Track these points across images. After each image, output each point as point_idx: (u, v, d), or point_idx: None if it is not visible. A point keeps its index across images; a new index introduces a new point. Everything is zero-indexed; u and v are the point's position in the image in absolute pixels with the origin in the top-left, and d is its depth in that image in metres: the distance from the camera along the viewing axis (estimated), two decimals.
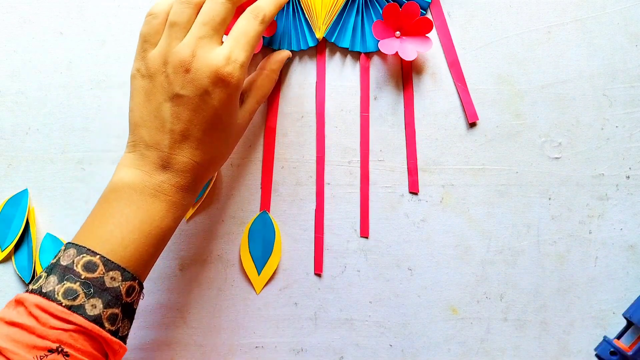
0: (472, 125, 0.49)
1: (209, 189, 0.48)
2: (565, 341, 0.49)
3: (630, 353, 0.45)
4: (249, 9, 0.40)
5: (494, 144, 0.49)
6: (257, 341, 0.49)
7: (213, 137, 0.39)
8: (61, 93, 0.49)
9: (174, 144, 0.38)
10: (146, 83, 0.39)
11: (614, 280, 0.49)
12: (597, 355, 0.47)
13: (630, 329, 0.47)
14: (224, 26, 0.39)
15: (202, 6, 0.39)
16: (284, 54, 0.47)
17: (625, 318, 0.47)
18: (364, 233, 0.49)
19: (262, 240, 0.49)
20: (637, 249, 0.49)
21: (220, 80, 0.37)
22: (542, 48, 0.49)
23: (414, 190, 0.49)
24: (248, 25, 0.39)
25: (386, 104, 0.49)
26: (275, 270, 0.49)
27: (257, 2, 0.40)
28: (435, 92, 0.49)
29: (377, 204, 0.49)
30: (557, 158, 0.49)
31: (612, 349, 0.46)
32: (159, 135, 0.38)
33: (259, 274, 0.49)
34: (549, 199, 0.49)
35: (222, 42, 0.39)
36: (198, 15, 0.38)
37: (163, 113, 0.38)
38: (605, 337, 0.47)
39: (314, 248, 0.49)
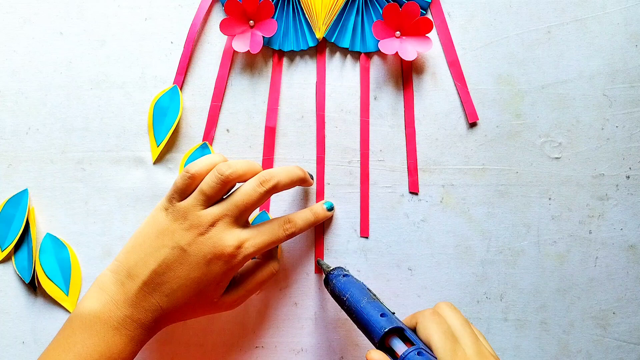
0: (472, 125, 0.49)
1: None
2: (565, 341, 0.49)
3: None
4: (285, 218, 0.44)
5: (494, 144, 0.49)
6: (257, 341, 0.49)
7: (185, 295, 0.41)
8: (61, 93, 0.49)
9: (151, 283, 0.41)
10: (164, 222, 0.42)
11: (614, 280, 0.49)
12: None
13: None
14: (253, 209, 0.42)
15: (232, 183, 0.42)
16: (276, 267, 0.46)
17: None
18: (364, 233, 0.49)
19: None
20: (637, 249, 0.49)
21: (222, 257, 0.41)
22: (542, 48, 0.49)
23: (414, 190, 0.49)
24: (277, 231, 0.43)
25: (386, 104, 0.49)
26: None
27: (294, 214, 0.45)
28: (435, 92, 0.49)
29: (377, 204, 0.49)
30: (557, 158, 0.49)
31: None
32: (143, 268, 0.41)
33: None
34: (549, 199, 0.49)
35: (247, 219, 0.43)
36: (234, 194, 0.42)
37: (160, 254, 0.41)
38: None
39: (314, 248, 0.49)
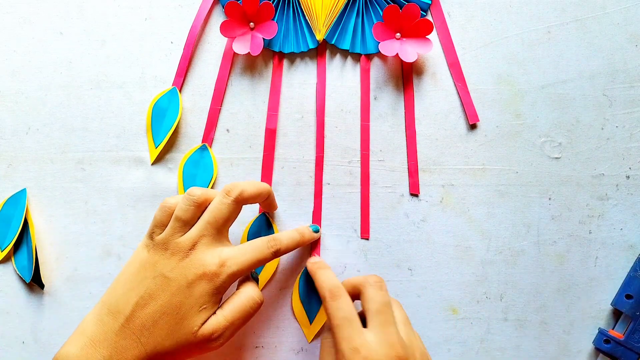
0: (472, 126, 0.51)
1: (208, 188, 0.50)
2: (565, 341, 0.50)
3: (622, 339, 0.49)
4: (270, 236, 0.44)
5: (494, 144, 0.50)
6: (257, 341, 0.50)
7: (166, 325, 0.40)
8: (61, 93, 0.51)
9: (132, 317, 0.40)
10: (145, 257, 0.42)
11: (614, 280, 0.50)
12: (595, 348, 0.50)
13: (621, 318, 0.50)
14: (228, 225, 0.43)
15: (206, 204, 0.43)
16: (258, 296, 0.44)
17: (613, 307, 0.50)
18: (365, 234, 0.50)
19: None
20: (637, 249, 0.50)
21: (205, 276, 0.41)
22: (542, 48, 0.50)
23: (414, 192, 0.50)
24: (261, 249, 0.43)
25: (386, 104, 0.51)
26: (275, 270, 0.50)
27: (279, 233, 0.45)
28: (435, 92, 0.50)
29: (377, 204, 0.50)
30: (557, 158, 0.50)
31: (605, 338, 0.49)
32: (125, 304, 0.41)
33: None
34: (549, 199, 0.50)
35: (226, 237, 0.44)
36: (205, 213, 0.43)
37: (142, 286, 0.41)
38: (599, 328, 0.50)
39: (313, 248, 0.50)
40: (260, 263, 0.43)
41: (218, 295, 0.42)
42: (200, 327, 0.41)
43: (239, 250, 0.42)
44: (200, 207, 0.43)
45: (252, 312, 0.43)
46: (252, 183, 0.44)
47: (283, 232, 0.46)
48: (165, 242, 0.42)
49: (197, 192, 0.43)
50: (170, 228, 0.42)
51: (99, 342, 0.40)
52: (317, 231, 0.49)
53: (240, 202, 0.43)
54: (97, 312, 0.42)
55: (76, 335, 0.41)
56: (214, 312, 0.42)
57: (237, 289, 0.44)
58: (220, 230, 0.43)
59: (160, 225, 0.43)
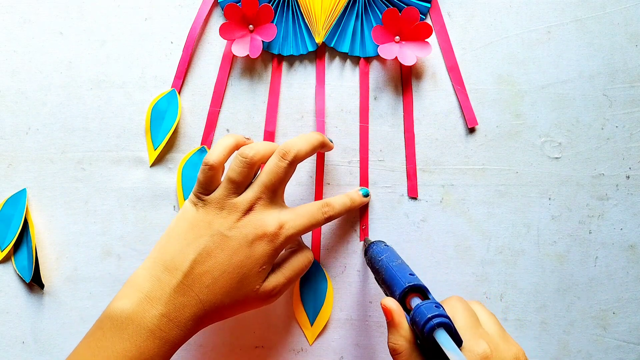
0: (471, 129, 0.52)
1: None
2: (565, 341, 0.52)
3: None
4: (323, 202, 0.47)
5: (494, 144, 0.52)
6: (257, 341, 0.52)
7: (227, 283, 0.42)
8: (61, 93, 0.52)
9: (191, 274, 0.42)
10: (198, 216, 0.44)
11: (614, 280, 0.52)
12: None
13: None
14: (284, 186, 0.45)
15: (258, 165, 0.45)
16: (311, 255, 0.49)
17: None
18: (363, 238, 0.52)
19: None
20: (637, 249, 0.52)
21: (265, 236, 0.43)
22: (542, 48, 0.52)
23: (413, 195, 0.52)
24: (315, 214, 0.46)
25: (386, 104, 0.52)
26: None
27: (331, 199, 0.48)
28: (435, 93, 0.52)
29: (377, 204, 0.52)
30: (557, 158, 0.52)
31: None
32: (182, 260, 0.42)
33: None
34: (549, 199, 0.52)
35: (282, 198, 0.46)
36: (261, 174, 0.45)
37: (199, 243, 0.43)
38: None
39: (314, 248, 0.52)
40: (314, 227, 0.46)
41: (275, 255, 0.44)
42: (261, 285, 0.44)
43: (295, 214, 0.45)
44: (253, 168, 0.44)
45: (305, 270, 0.48)
46: (306, 140, 0.46)
47: (335, 198, 0.48)
48: (218, 202, 0.44)
49: (250, 152, 0.44)
50: (224, 189, 0.44)
51: (155, 298, 0.41)
52: (367, 195, 0.51)
53: (296, 163, 0.45)
54: (151, 269, 0.43)
55: (130, 291, 0.42)
56: (272, 271, 0.45)
57: (290, 249, 0.48)
58: (276, 192, 0.45)
59: (205, 186, 0.44)
